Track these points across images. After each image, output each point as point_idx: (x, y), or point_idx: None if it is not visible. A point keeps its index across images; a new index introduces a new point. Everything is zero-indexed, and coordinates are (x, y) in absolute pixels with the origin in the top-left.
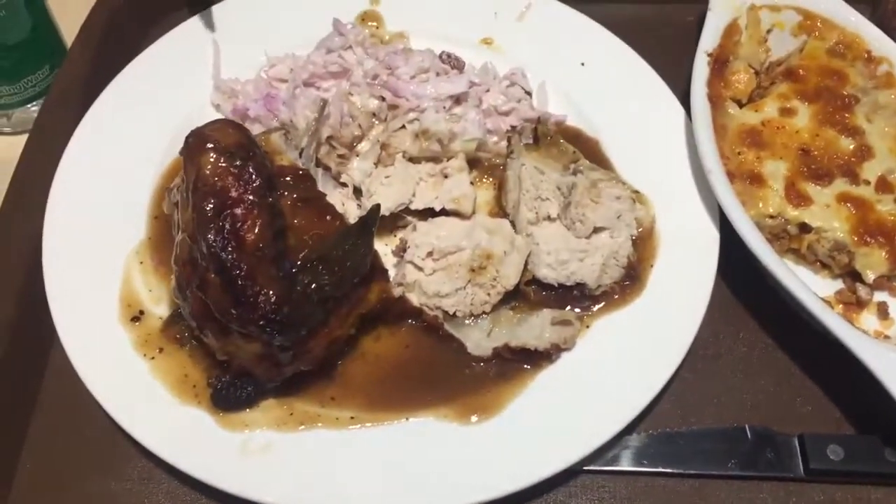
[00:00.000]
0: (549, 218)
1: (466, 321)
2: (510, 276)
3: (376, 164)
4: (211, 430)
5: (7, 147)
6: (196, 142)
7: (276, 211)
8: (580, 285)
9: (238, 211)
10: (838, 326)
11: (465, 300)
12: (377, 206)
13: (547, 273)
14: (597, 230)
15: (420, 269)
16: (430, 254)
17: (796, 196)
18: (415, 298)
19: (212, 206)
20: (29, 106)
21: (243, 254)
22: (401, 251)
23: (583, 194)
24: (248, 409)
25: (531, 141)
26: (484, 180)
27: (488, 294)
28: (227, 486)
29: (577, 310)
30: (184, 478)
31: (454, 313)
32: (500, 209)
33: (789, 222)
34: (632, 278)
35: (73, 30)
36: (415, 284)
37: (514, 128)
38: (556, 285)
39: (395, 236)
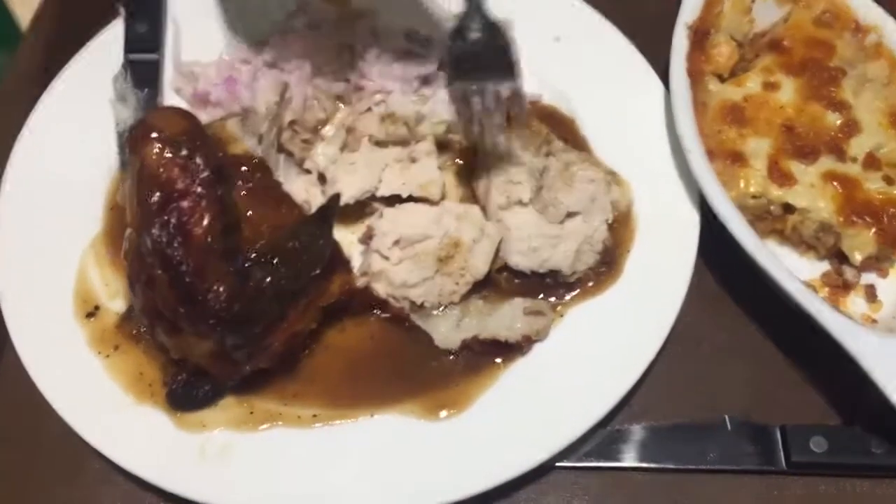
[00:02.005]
0: (520, 202)
1: (434, 312)
2: (479, 266)
3: (342, 149)
4: (168, 430)
5: None
6: (140, 131)
7: (225, 203)
8: (553, 272)
9: (184, 204)
10: (821, 312)
11: (433, 290)
12: (336, 196)
13: (519, 260)
14: (570, 215)
15: (386, 258)
16: (396, 242)
17: (780, 175)
18: (381, 289)
19: (156, 199)
20: None
21: (190, 249)
22: (367, 239)
23: (555, 178)
24: (205, 409)
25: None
26: (454, 164)
27: (457, 283)
28: (185, 490)
29: (551, 298)
30: (142, 480)
31: (422, 304)
32: (471, 193)
33: (772, 203)
34: (607, 264)
35: (27, 14)
36: (381, 274)
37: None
38: (529, 273)
39: (361, 223)
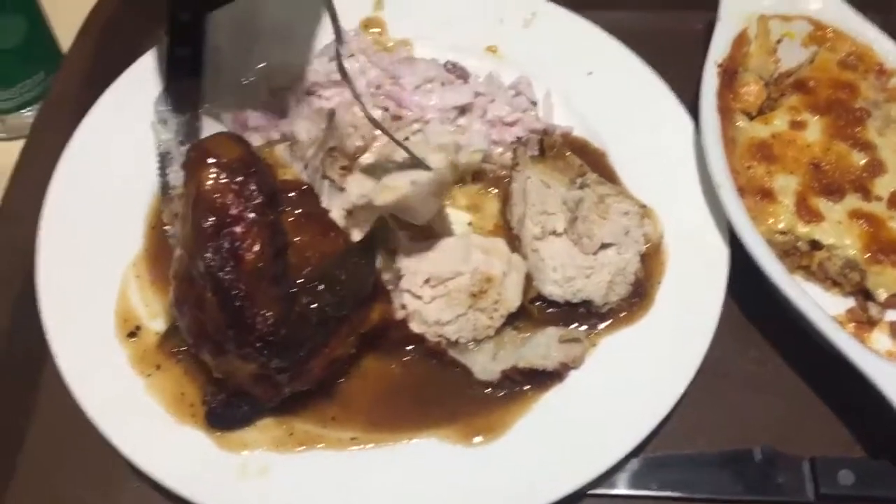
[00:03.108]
0: (554, 233)
1: (470, 346)
2: (512, 298)
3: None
4: (209, 451)
5: (2, 153)
6: (197, 156)
7: (277, 229)
8: (586, 302)
9: (238, 229)
10: (849, 347)
11: (468, 326)
12: (382, 220)
13: (553, 290)
14: (604, 246)
15: (418, 297)
16: (427, 281)
17: (807, 212)
18: (415, 326)
19: (211, 223)
20: (24, 111)
21: (242, 274)
22: (396, 280)
23: (590, 209)
24: (244, 428)
25: (537, 153)
26: (488, 192)
27: (491, 318)
28: None
29: (583, 328)
30: (182, 500)
31: (456, 340)
32: (504, 222)
33: (800, 239)
34: (639, 295)
35: (68, 33)
36: (415, 313)
37: (519, 139)
38: (562, 303)
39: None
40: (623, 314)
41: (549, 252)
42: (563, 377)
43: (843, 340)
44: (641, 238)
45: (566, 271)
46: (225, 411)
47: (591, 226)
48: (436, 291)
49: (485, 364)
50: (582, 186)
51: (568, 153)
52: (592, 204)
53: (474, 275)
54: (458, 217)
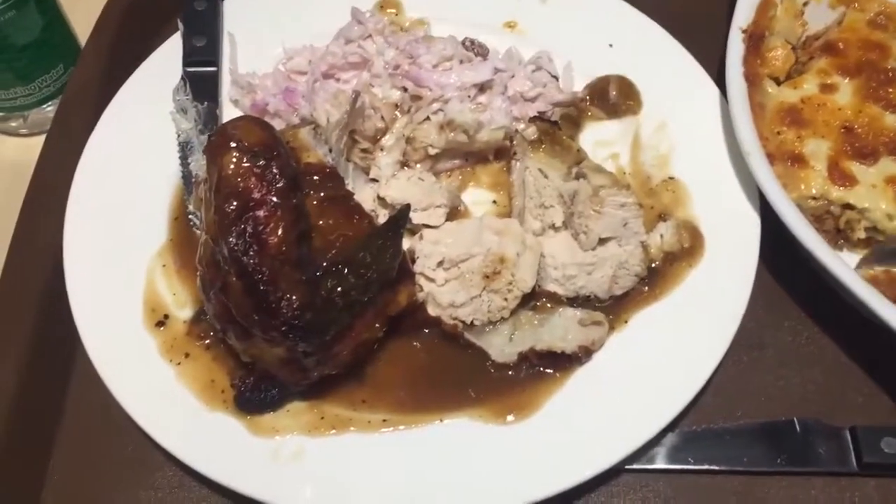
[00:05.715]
0: (553, 227)
1: (486, 328)
2: (526, 279)
3: (403, 160)
4: (241, 436)
5: (25, 149)
6: (219, 140)
7: (300, 212)
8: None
9: (260, 213)
10: (890, 314)
11: (482, 308)
12: (407, 206)
13: (556, 288)
14: (603, 241)
15: (432, 280)
16: (440, 263)
17: (840, 176)
18: (430, 310)
19: (234, 207)
20: (44, 106)
21: (265, 258)
22: (409, 263)
23: (585, 204)
24: (272, 412)
25: (536, 137)
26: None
27: (505, 299)
28: (260, 494)
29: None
30: (215, 485)
31: (472, 322)
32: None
33: (833, 203)
34: (649, 285)
35: (85, 27)
36: (428, 296)
37: (541, 114)
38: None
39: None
40: (646, 289)
41: (549, 249)
42: (582, 361)
43: (884, 308)
44: (642, 228)
45: (566, 270)
46: (254, 395)
47: (586, 221)
48: (449, 274)
49: (501, 346)
50: (578, 177)
51: (565, 137)
52: (587, 198)
53: (487, 256)
54: (482, 196)
